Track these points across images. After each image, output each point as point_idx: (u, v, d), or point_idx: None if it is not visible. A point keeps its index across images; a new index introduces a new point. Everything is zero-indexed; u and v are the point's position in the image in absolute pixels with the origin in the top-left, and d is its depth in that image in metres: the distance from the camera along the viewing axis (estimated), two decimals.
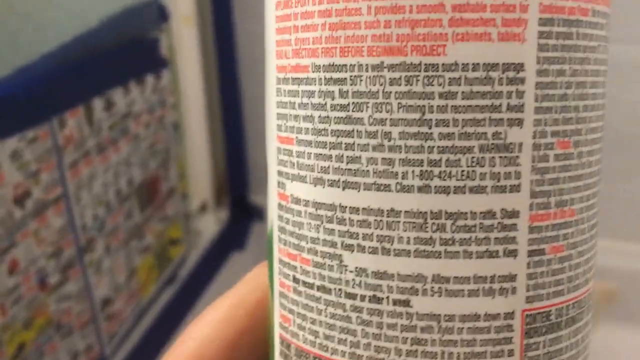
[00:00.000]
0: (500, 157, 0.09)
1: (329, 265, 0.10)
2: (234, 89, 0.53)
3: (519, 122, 0.09)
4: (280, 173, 0.11)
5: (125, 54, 0.44)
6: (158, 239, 0.48)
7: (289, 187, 0.10)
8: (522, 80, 0.09)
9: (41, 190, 0.35)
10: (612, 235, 0.44)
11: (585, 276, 0.10)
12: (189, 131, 0.51)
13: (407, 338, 0.09)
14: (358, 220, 0.10)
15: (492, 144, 0.09)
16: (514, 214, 0.09)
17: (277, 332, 0.11)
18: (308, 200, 0.10)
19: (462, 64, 0.09)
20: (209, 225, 0.53)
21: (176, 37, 0.49)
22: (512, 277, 0.09)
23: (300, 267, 0.10)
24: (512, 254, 0.09)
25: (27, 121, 0.34)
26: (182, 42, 0.49)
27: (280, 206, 0.11)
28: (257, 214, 0.55)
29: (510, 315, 0.09)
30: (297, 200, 0.10)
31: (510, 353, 0.09)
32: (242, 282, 0.13)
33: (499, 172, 0.09)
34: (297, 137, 0.10)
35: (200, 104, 0.52)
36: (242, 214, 0.54)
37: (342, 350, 0.10)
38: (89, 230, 0.40)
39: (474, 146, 0.09)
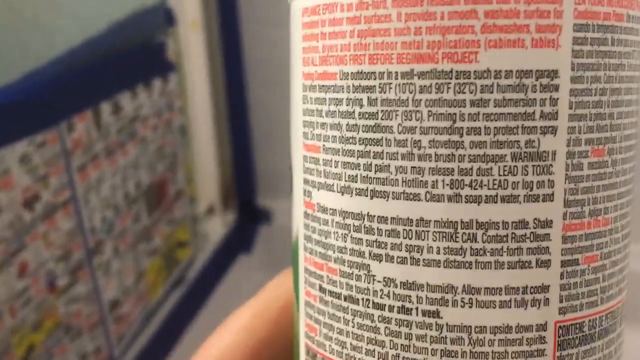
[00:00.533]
0: (534, 165, 0.09)
1: (356, 275, 0.10)
2: (240, 93, 0.53)
3: (553, 130, 0.09)
4: (306, 181, 0.10)
5: (133, 58, 0.44)
6: (166, 241, 0.48)
7: (316, 196, 0.10)
8: (556, 87, 0.09)
9: (50, 194, 0.35)
10: None
11: (618, 286, 0.10)
12: (196, 134, 0.51)
13: (436, 350, 0.09)
14: (386, 230, 0.09)
15: (525, 152, 0.09)
16: (547, 223, 0.09)
17: (302, 341, 0.11)
18: (335, 209, 0.10)
19: (495, 71, 0.09)
20: (216, 228, 0.53)
21: (183, 42, 0.49)
22: (544, 288, 0.09)
23: (327, 276, 0.10)
24: (545, 264, 0.09)
25: (36, 125, 0.34)
26: (189, 46, 0.49)
27: (306, 214, 0.11)
28: (264, 216, 0.54)
29: (542, 326, 0.09)
30: (323, 209, 0.10)
31: None
32: (265, 291, 0.13)
33: (531, 181, 0.09)
34: (324, 145, 0.10)
35: (207, 107, 0.52)
36: (249, 216, 0.54)
37: None
38: (97, 232, 0.40)
39: (506, 155, 0.09)
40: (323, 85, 0.10)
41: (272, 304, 0.13)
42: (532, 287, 0.09)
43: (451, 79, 0.09)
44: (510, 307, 0.09)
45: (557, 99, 0.09)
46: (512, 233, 0.09)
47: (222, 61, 0.52)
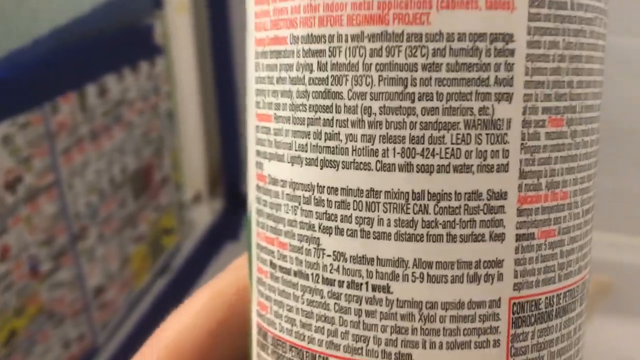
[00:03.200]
0: (487, 134, 0.09)
1: (306, 249, 0.09)
2: (228, 78, 0.52)
3: (508, 97, 0.09)
4: (258, 153, 0.10)
5: (119, 40, 0.43)
6: (152, 228, 0.47)
7: (267, 167, 0.10)
8: (511, 52, 0.08)
9: (33, 176, 0.35)
10: (606, 228, 0.43)
11: (578, 264, 0.10)
12: (183, 120, 0.51)
13: (386, 326, 0.09)
14: (336, 201, 0.09)
15: (479, 119, 0.09)
16: (501, 195, 0.09)
17: (254, 320, 0.11)
18: (285, 181, 0.09)
19: (447, 33, 0.08)
20: (203, 216, 0.52)
21: (170, 24, 0.48)
22: (498, 263, 0.09)
23: (278, 251, 0.10)
24: (499, 238, 0.09)
25: (19, 106, 0.34)
26: (176, 29, 0.49)
27: (258, 187, 0.10)
28: None
29: (496, 303, 0.09)
30: (274, 181, 0.10)
31: (496, 343, 0.09)
32: (225, 272, 0.13)
33: (485, 150, 0.09)
34: (275, 113, 0.10)
35: (194, 92, 0.51)
36: (236, 204, 0.54)
37: (319, 339, 0.09)
38: (81, 217, 0.39)
39: (459, 122, 0.08)
40: (274, 51, 0.09)
41: (231, 285, 0.12)
42: (485, 261, 0.09)
43: (402, 41, 0.08)
44: (463, 282, 0.09)
45: (513, 64, 0.08)
46: (465, 205, 0.09)
47: (210, 44, 0.51)
